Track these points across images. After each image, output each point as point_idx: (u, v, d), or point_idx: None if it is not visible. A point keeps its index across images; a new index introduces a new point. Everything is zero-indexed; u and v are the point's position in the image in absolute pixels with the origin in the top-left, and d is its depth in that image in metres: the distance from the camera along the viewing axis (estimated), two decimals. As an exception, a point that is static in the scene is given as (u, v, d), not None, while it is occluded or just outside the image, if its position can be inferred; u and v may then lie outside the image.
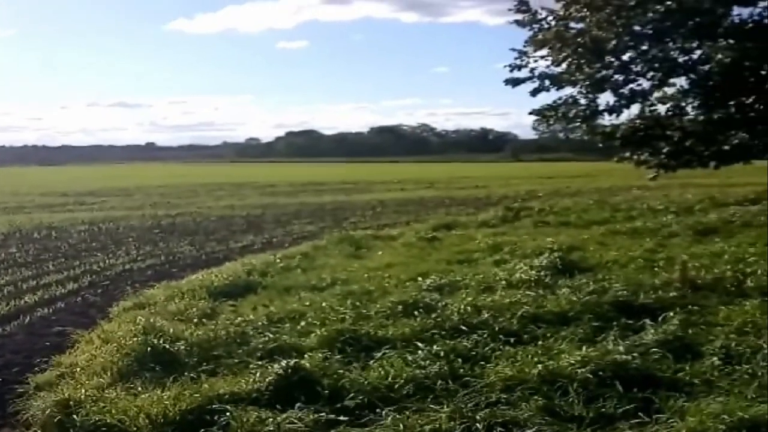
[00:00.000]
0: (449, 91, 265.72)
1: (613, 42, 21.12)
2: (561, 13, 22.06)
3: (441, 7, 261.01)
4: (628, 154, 23.42)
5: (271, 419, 5.01)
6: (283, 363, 5.86)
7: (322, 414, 5.10)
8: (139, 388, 5.76)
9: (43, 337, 8.53)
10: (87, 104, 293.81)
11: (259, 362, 6.21)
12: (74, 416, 5.39)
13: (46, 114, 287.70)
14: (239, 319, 7.85)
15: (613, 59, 21.94)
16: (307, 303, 8.48)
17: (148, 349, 6.56)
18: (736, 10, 21.03)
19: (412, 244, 13.82)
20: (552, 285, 8.88)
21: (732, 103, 21.45)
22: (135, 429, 5.11)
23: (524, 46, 22.64)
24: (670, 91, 22.30)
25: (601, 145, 24.50)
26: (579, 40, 21.25)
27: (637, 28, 21.31)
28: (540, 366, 5.69)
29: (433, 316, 7.46)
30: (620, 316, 7.32)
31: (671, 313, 7.35)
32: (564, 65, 22.05)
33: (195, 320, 7.97)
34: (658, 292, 8.26)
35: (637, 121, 22.66)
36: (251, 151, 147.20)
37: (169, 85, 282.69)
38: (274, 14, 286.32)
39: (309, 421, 4.99)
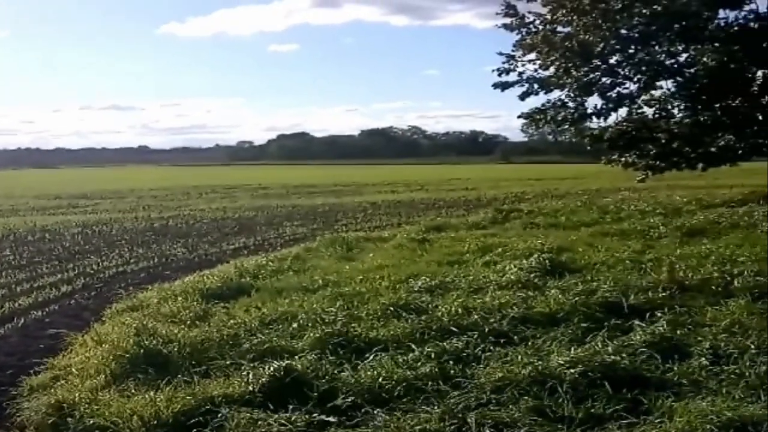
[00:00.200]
0: (439, 94, 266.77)
1: (600, 46, 21.29)
2: (548, 17, 22.22)
3: (430, 11, 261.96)
4: (616, 157, 23.62)
5: (263, 420, 5.06)
6: (276, 364, 5.92)
7: (314, 415, 5.16)
8: (133, 390, 5.80)
9: (37, 339, 8.56)
10: (80, 107, 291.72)
11: (252, 364, 6.23)
12: (68, 418, 5.45)
13: (40, 117, 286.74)
14: (232, 321, 7.87)
15: (600, 63, 22.12)
16: (299, 305, 8.48)
17: (142, 351, 6.59)
18: (721, 13, 21.25)
19: (403, 245, 13.84)
20: (541, 286, 8.92)
21: (718, 105, 21.66)
22: (128, 431, 5.14)
23: (513, 50, 22.82)
24: (657, 93, 22.55)
25: (589, 147, 24.72)
26: (566, 44, 21.40)
27: (623, 31, 21.50)
28: (530, 367, 5.73)
29: (424, 317, 7.49)
30: (609, 317, 7.35)
31: (659, 314, 7.40)
32: (552, 69, 22.22)
33: (188, 322, 7.99)
34: (647, 293, 8.29)
35: (625, 123, 22.85)
36: (243, 153, 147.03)
37: (162, 88, 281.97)
38: (265, 18, 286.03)
39: (301, 422, 5.05)
